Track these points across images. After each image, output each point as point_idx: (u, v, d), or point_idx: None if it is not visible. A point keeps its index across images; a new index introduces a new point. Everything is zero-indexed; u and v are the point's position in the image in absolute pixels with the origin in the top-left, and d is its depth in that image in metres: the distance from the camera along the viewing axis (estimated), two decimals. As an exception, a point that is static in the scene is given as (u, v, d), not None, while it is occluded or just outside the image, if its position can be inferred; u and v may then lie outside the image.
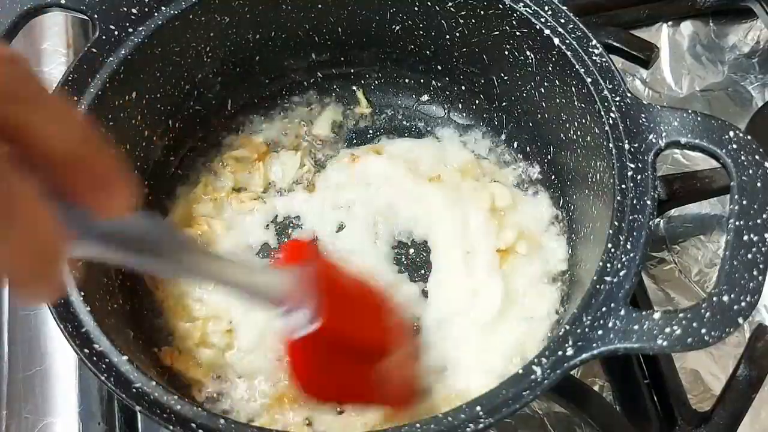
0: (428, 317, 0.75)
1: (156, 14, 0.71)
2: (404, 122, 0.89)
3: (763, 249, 0.54)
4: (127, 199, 0.37)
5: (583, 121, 0.69)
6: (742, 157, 0.58)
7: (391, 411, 0.68)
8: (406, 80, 0.88)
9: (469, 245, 0.77)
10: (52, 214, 0.33)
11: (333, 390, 0.63)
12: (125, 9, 0.70)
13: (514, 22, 0.72)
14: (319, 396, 0.62)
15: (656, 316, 0.53)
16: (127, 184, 0.37)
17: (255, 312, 0.71)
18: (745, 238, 0.55)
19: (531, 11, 0.70)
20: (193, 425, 0.54)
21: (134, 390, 0.56)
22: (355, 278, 0.68)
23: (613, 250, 0.58)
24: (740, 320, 0.52)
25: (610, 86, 0.65)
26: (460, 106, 0.88)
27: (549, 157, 0.80)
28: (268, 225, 0.82)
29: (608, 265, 0.58)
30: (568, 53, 0.68)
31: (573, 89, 0.69)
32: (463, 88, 0.85)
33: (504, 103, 0.82)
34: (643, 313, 0.54)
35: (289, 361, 0.59)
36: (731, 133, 0.59)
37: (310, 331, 0.55)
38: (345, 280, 0.65)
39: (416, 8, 0.78)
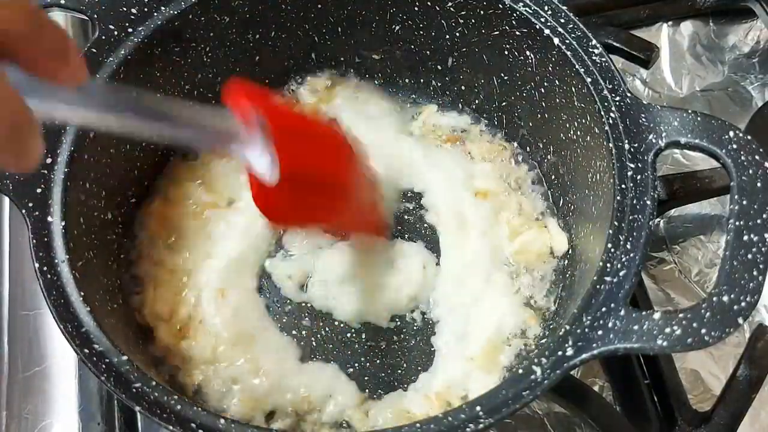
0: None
1: (156, 14, 0.71)
2: (404, 122, 0.89)
3: (763, 249, 0.54)
4: (77, 69, 0.41)
5: (583, 121, 0.69)
6: (742, 157, 0.58)
7: (361, 238, 0.74)
8: (406, 80, 0.88)
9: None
10: (15, 88, 0.37)
11: (301, 217, 0.64)
12: (125, 9, 0.70)
13: (514, 22, 0.72)
14: (287, 223, 0.64)
15: (656, 316, 0.53)
16: (76, 57, 0.41)
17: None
18: (745, 238, 0.55)
19: (531, 11, 0.70)
20: (193, 425, 0.54)
21: (134, 390, 0.56)
22: (307, 117, 0.68)
23: (613, 250, 0.58)
24: (740, 320, 0.52)
25: (610, 86, 0.65)
26: (460, 106, 0.88)
27: (549, 157, 0.80)
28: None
29: (608, 265, 0.58)
30: (568, 53, 0.68)
31: (573, 89, 0.69)
32: (463, 88, 0.85)
33: (504, 103, 0.82)
34: (643, 313, 0.54)
35: (254, 194, 0.58)
36: (731, 133, 0.59)
37: (272, 172, 0.55)
38: (297, 120, 0.65)
39: (416, 8, 0.78)
